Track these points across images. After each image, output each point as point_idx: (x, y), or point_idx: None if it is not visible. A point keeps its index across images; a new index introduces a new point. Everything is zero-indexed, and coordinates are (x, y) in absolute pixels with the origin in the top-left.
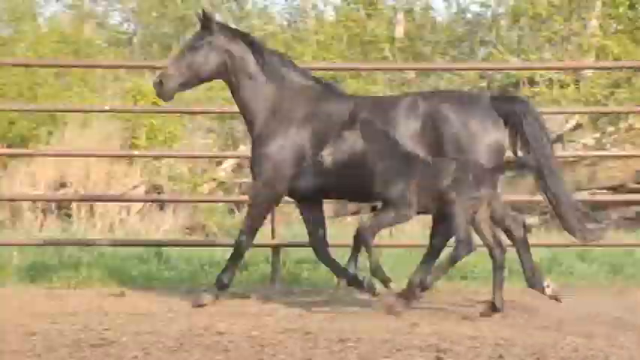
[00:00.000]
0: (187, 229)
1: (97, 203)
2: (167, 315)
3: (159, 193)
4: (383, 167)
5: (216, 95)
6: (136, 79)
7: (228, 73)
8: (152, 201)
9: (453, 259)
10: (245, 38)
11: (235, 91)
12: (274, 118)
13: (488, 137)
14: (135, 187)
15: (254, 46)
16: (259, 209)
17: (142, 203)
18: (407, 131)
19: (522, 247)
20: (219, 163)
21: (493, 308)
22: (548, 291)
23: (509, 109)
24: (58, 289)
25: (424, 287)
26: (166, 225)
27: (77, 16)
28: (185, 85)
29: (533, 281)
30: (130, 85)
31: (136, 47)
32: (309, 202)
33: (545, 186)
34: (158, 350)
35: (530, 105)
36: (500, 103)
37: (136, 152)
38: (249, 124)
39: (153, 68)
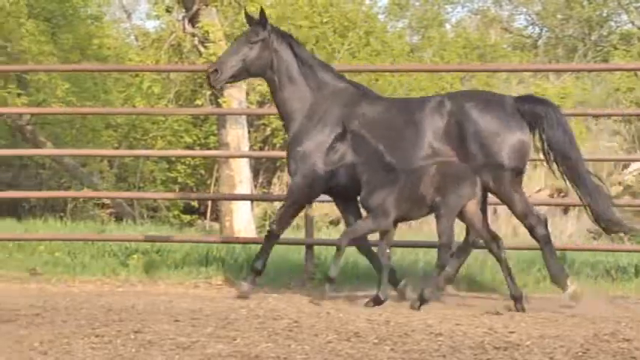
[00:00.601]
0: (591, 233)
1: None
2: (571, 320)
3: (563, 196)
4: (367, 178)
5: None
6: (540, 82)
7: (272, 73)
8: (555, 205)
9: (441, 266)
10: (292, 42)
11: (275, 91)
12: (311, 119)
13: (511, 137)
14: (538, 190)
15: (298, 49)
16: (295, 206)
17: (547, 207)
18: (433, 129)
19: (545, 244)
20: (625, 167)
21: (516, 300)
22: (568, 292)
23: (532, 110)
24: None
25: (422, 301)
26: (571, 229)
27: (483, 21)
28: (235, 77)
29: (557, 279)
30: (534, 89)
31: (541, 50)
32: (345, 200)
33: (575, 187)
34: (563, 355)
35: (554, 107)
36: (523, 104)
37: None
38: (287, 123)
39: (556, 71)
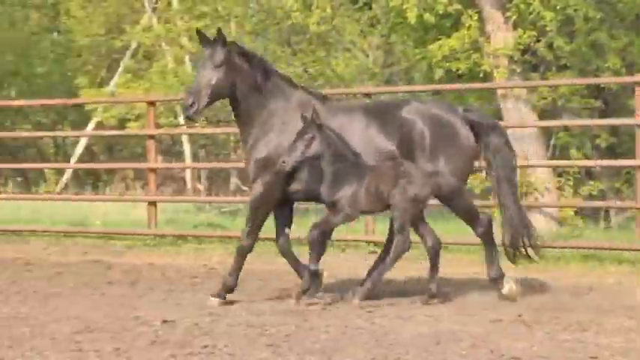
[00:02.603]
0: None
1: None
2: None
3: None
4: (333, 171)
5: None
6: None
7: (236, 89)
8: None
9: (395, 258)
10: (250, 55)
11: (238, 103)
12: (272, 127)
13: (460, 142)
14: None
15: (257, 62)
16: (260, 215)
17: None
18: (388, 132)
19: (487, 242)
20: None
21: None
22: (504, 290)
23: (478, 120)
24: None
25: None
26: None
27: None
28: (209, 104)
29: (493, 276)
30: None
31: None
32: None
33: (498, 196)
34: None
35: (497, 122)
36: (470, 114)
37: None
38: (246, 133)
39: None
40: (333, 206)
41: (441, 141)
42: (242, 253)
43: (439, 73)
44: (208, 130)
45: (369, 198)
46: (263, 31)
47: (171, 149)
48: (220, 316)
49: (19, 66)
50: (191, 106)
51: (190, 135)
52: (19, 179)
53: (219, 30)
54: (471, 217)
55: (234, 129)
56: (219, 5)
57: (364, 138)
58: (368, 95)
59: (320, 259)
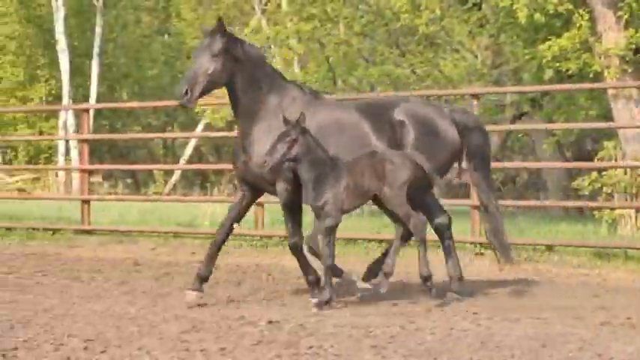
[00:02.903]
0: None
1: None
2: None
3: None
4: (314, 177)
5: None
6: None
7: (234, 81)
8: None
9: (422, 241)
10: (248, 47)
11: (236, 96)
12: (271, 122)
13: (449, 138)
14: None
15: (255, 55)
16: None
17: None
18: (379, 130)
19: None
20: None
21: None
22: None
23: (463, 120)
24: None
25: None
26: None
27: None
28: (204, 93)
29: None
30: None
31: None
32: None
33: (479, 194)
34: None
35: (480, 121)
36: (455, 114)
37: None
38: (246, 127)
39: None
40: (318, 211)
41: (427, 139)
42: (294, 252)
43: (549, 73)
44: None
45: (351, 196)
46: (372, 33)
47: None
48: (326, 317)
49: (131, 68)
50: (185, 94)
51: None
52: (128, 180)
53: (219, 19)
54: (429, 210)
55: None
56: (328, 7)
57: (355, 135)
58: (476, 96)
59: (333, 256)
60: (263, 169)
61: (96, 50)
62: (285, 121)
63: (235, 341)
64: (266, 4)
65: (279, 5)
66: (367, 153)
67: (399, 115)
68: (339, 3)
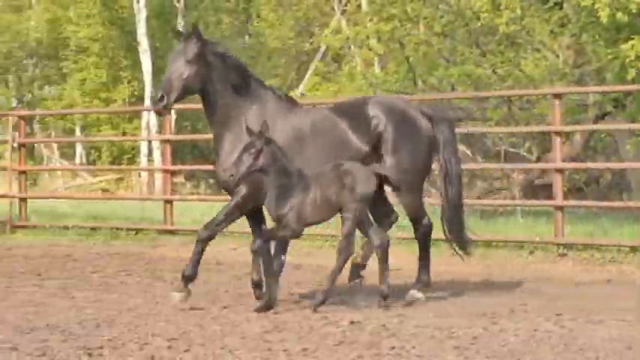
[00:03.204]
0: None
1: None
2: None
3: None
4: (278, 186)
5: None
6: None
7: (207, 85)
8: None
9: (343, 262)
10: (223, 52)
11: (209, 101)
12: (239, 130)
13: (423, 133)
14: None
15: (229, 59)
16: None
17: None
18: (351, 130)
19: (422, 245)
20: None
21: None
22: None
23: (431, 114)
24: None
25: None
26: None
27: None
28: (179, 99)
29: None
30: None
31: None
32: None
33: (443, 188)
34: None
35: (449, 114)
36: (424, 108)
37: None
38: (219, 132)
39: None
40: (278, 221)
41: (404, 134)
42: (256, 255)
43: (632, 73)
44: None
45: (315, 208)
46: (452, 32)
47: None
48: (408, 318)
49: None
50: (160, 100)
51: None
52: (211, 181)
53: (194, 25)
54: (416, 215)
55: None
56: (408, 7)
57: (335, 136)
58: (558, 96)
59: (273, 268)
60: (230, 181)
61: None
62: (249, 131)
63: (317, 341)
64: (346, 5)
65: (359, 6)
66: (333, 165)
67: (372, 110)
68: (419, 3)
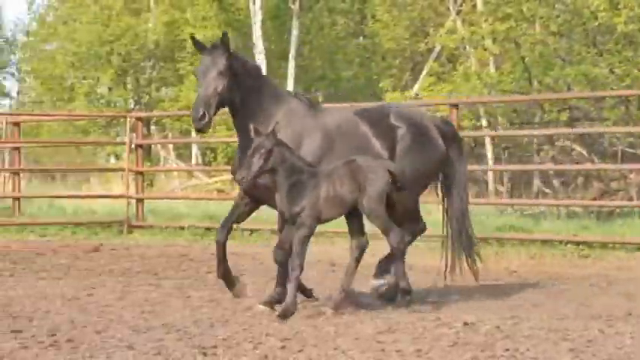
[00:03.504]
0: None
1: None
2: None
3: None
4: (289, 185)
5: None
6: None
7: (236, 96)
8: None
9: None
10: (247, 62)
11: (237, 111)
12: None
13: (439, 148)
14: None
15: (253, 69)
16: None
17: None
18: (374, 136)
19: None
20: None
21: None
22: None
23: (445, 130)
24: None
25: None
26: None
27: None
28: (216, 113)
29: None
30: None
31: None
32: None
33: (449, 202)
34: None
35: (458, 133)
36: (439, 122)
37: None
38: (242, 141)
39: None
40: (292, 220)
41: (418, 145)
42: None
43: None
44: (510, 132)
45: (329, 205)
46: (568, 32)
47: (473, 151)
48: (522, 320)
49: (326, 70)
50: (201, 118)
51: (492, 138)
52: None
53: (224, 34)
54: (410, 217)
55: (537, 130)
56: (524, 6)
57: (358, 142)
58: None
59: (302, 267)
60: (242, 184)
61: (292, 53)
62: (257, 132)
63: (431, 342)
64: (461, 5)
65: (474, 6)
66: (345, 161)
67: (395, 119)
68: (535, 2)
